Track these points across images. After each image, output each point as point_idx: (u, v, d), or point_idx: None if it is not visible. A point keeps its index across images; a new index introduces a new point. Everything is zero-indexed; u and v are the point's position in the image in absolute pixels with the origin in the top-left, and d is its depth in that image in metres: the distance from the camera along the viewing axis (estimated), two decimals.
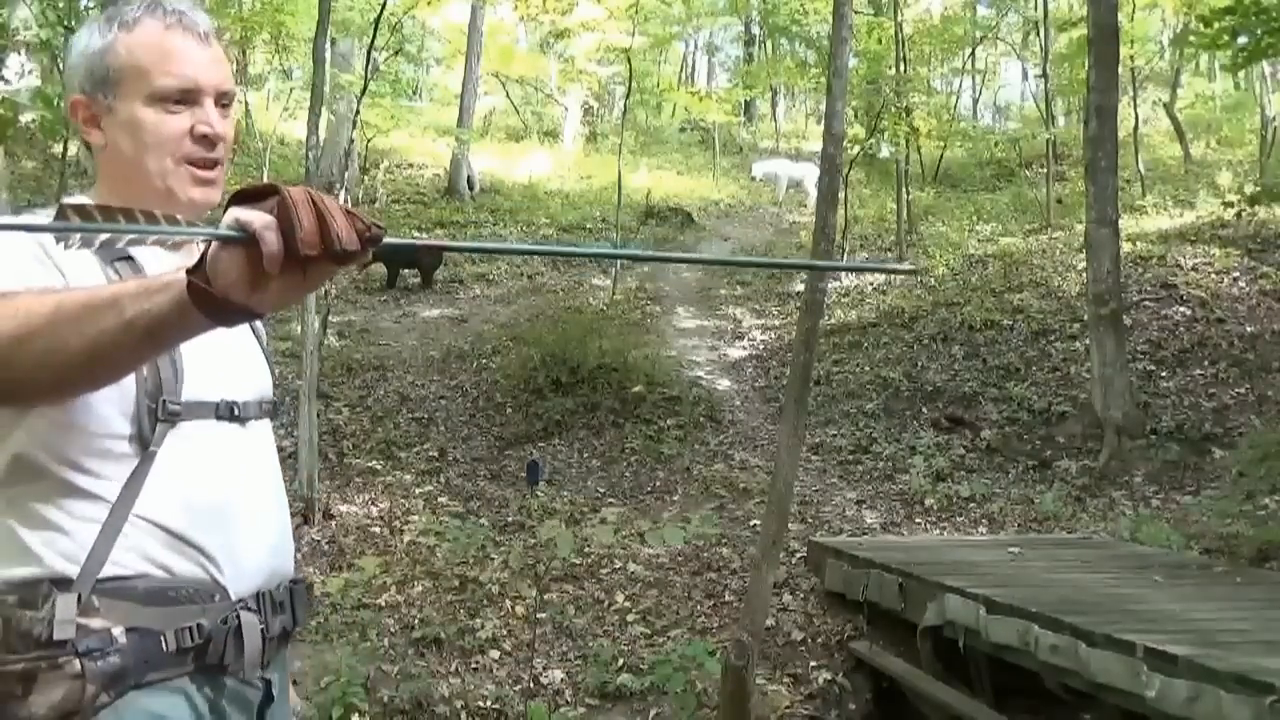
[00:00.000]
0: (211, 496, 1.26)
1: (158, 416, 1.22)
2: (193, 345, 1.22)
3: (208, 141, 1.30)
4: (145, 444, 1.21)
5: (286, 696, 1.42)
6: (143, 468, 1.21)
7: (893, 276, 12.29)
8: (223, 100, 1.33)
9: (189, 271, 0.89)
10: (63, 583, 1.16)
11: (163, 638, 1.19)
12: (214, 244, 0.87)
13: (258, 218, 0.84)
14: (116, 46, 1.28)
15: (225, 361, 1.32)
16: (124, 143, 1.29)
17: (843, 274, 12.16)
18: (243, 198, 0.87)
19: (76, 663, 1.14)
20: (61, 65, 10.97)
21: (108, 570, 1.18)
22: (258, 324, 1.48)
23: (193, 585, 1.23)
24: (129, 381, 1.19)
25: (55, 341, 0.98)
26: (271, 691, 1.33)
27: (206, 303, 0.89)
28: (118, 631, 1.16)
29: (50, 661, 1.14)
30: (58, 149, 11.12)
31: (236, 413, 1.31)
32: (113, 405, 1.19)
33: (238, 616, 1.25)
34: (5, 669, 1.13)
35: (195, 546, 1.23)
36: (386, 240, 0.87)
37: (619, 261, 12.90)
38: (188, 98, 1.29)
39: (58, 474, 1.19)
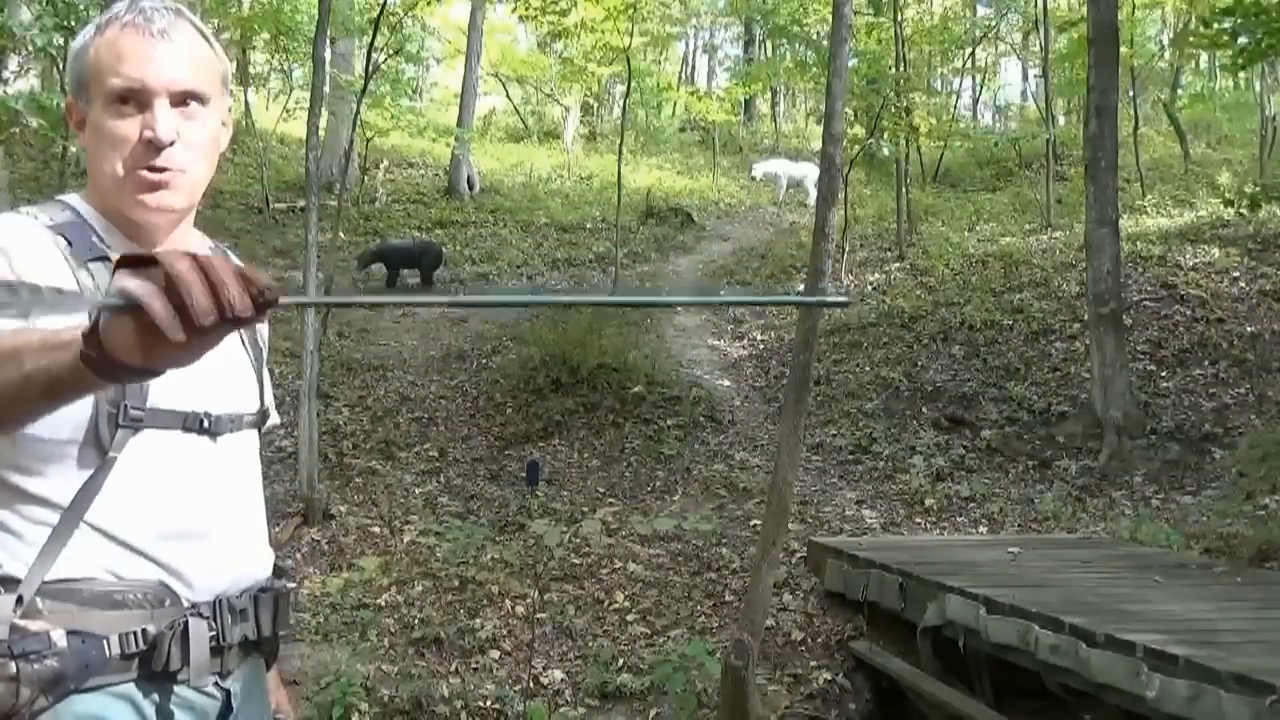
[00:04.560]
0: (167, 505, 1.24)
1: (119, 422, 1.20)
2: None
3: (151, 146, 1.23)
4: (104, 449, 1.20)
5: (262, 707, 1.40)
6: (99, 473, 1.19)
7: (892, 276, 12.30)
8: (184, 100, 1.25)
9: (83, 337, 0.87)
10: (9, 583, 1.16)
11: (106, 642, 1.18)
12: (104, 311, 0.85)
13: (142, 287, 0.81)
14: (88, 50, 1.27)
15: (202, 373, 1.26)
16: (90, 146, 1.28)
17: (842, 274, 12.14)
18: (127, 263, 0.85)
19: (12, 665, 1.12)
20: (61, 67, 10.98)
21: (54, 573, 1.17)
22: (262, 337, 1.46)
23: (141, 590, 1.21)
24: None
25: None
26: (231, 702, 1.31)
27: (99, 368, 0.87)
28: (57, 635, 1.15)
29: None
30: (57, 149, 11.13)
31: (207, 425, 1.29)
32: (69, 409, 1.15)
33: (185, 622, 1.23)
34: None
35: (145, 554, 1.22)
36: (283, 300, 0.86)
37: (618, 261, 12.89)
38: (137, 99, 1.23)
39: (9, 478, 1.18)
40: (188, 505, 1.26)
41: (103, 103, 1.25)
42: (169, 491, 1.25)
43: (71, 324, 0.92)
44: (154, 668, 1.21)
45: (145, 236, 1.29)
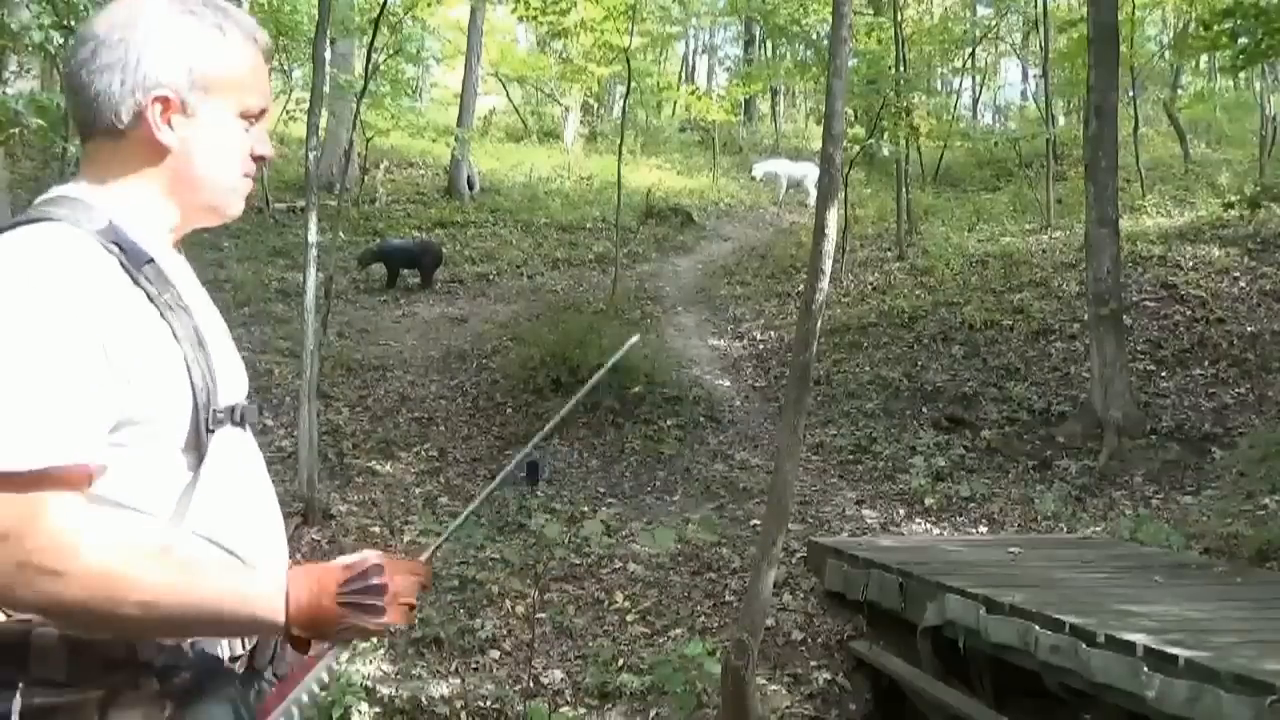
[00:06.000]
0: (243, 503, 1.25)
1: (208, 425, 1.19)
2: (214, 347, 1.23)
3: (263, 161, 1.35)
4: (201, 454, 1.19)
5: None
6: (193, 480, 1.19)
7: (893, 276, 12.29)
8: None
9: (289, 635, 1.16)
10: None
11: (220, 647, 1.21)
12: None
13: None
14: (221, 52, 1.25)
15: (231, 364, 1.31)
16: (200, 148, 1.25)
17: (843, 274, 12.13)
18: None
19: (155, 682, 1.13)
20: (61, 67, 10.94)
21: None
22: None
23: None
24: (185, 391, 1.16)
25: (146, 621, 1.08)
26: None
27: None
28: (186, 645, 1.16)
29: (130, 683, 1.12)
30: (57, 149, 11.11)
31: (240, 417, 1.29)
32: (175, 417, 1.16)
33: None
34: (85, 696, 1.10)
35: (238, 556, 1.23)
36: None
37: (618, 261, 12.87)
38: (258, 118, 1.33)
39: (115, 497, 1.15)
40: (254, 500, 1.28)
41: (235, 112, 1.28)
42: (242, 489, 1.26)
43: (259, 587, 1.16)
44: (258, 667, 1.25)
45: (171, 233, 1.31)
